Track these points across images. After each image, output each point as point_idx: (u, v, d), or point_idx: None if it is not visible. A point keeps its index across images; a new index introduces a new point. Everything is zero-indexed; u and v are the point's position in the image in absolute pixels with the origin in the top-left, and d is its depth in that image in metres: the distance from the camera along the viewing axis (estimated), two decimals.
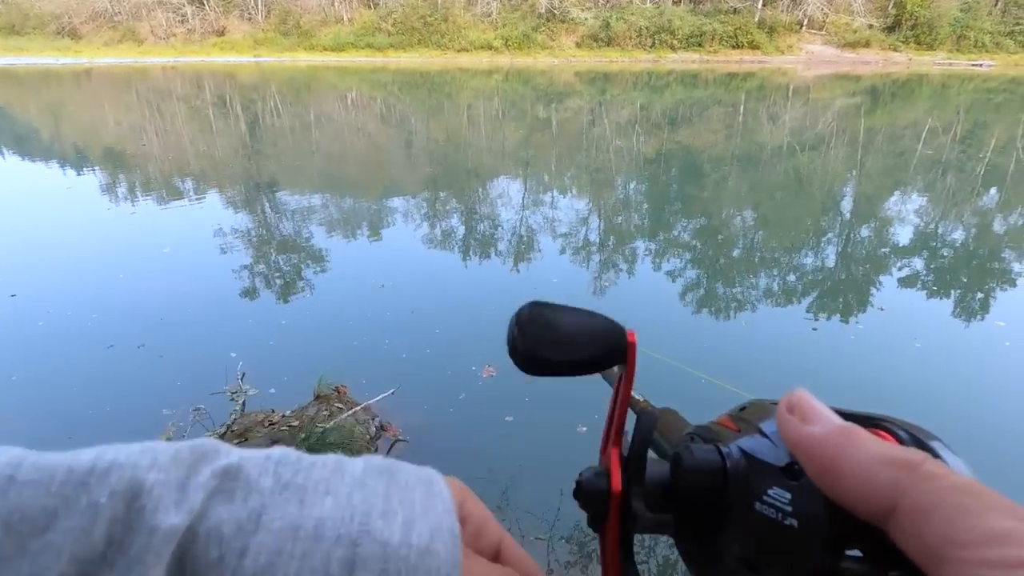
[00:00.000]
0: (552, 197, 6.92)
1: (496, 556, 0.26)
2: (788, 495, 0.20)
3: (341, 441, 2.29)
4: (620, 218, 6.18)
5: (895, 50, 32.11)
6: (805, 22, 33.45)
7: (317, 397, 2.63)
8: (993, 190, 7.42)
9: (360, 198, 6.66)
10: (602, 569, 0.25)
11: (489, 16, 35.36)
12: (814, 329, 3.61)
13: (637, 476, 0.24)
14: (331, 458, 0.23)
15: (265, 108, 14.66)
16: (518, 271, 4.52)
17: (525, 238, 5.32)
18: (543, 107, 15.81)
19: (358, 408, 2.53)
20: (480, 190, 7.20)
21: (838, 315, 3.85)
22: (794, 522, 0.20)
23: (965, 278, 4.57)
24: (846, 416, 0.23)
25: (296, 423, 2.43)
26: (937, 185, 7.70)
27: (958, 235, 5.73)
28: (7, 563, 0.17)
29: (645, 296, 4.16)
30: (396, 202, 6.50)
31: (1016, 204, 6.89)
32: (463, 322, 3.53)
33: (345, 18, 35.96)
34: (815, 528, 0.19)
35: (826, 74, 26.09)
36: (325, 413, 2.50)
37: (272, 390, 2.73)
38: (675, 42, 32.95)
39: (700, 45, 32.82)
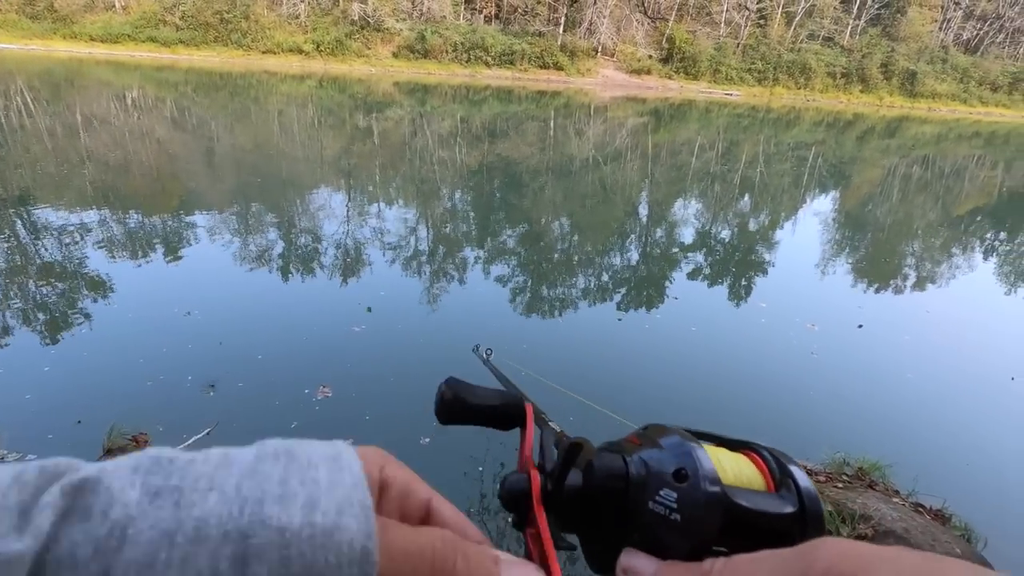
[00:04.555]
0: (378, 208, 6.75)
1: (426, 517, 0.26)
2: (675, 495, 0.24)
3: None
4: (448, 227, 6.28)
5: (670, 78, 37.70)
6: (600, 48, 37.55)
7: (108, 451, 2.21)
8: (747, 196, 9.13)
9: (152, 214, 5.75)
10: (533, 548, 0.28)
11: (297, 18, 33.29)
12: (619, 320, 4.06)
13: (558, 482, 0.28)
14: (216, 452, 0.21)
15: (10, 106, 11.91)
16: (346, 285, 4.32)
17: (352, 251, 5.11)
18: (363, 116, 15.38)
19: None
20: (298, 202, 6.74)
21: (643, 307, 4.39)
22: (678, 517, 0.24)
23: (733, 268, 5.54)
24: (720, 441, 0.29)
25: None
26: (708, 192, 9.23)
27: (725, 233, 6.93)
28: None
29: (475, 301, 4.27)
30: (199, 218, 5.75)
31: (763, 207, 8.56)
32: (291, 344, 3.25)
33: (118, 5, 30.86)
34: (695, 522, 0.24)
35: (620, 95, 29.61)
36: None
37: (32, 456, 2.21)
38: (489, 59, 34.52)
39: (512, 63, 34.85)
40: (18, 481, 0.18)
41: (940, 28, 45.20)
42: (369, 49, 33.38)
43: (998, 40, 45.80)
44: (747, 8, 40.07)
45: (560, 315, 4.13)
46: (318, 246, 5.14)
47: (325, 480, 0.21)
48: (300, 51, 31.80)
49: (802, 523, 0.25)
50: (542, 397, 0.38)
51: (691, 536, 0.24)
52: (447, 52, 33.94)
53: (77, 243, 4.67)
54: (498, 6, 37.71)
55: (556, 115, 19.39)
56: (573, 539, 0.30)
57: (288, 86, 21.63)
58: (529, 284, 4.71)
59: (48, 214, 5.35)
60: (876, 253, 6.75)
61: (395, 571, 0.21)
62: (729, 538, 0.24)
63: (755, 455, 0.28)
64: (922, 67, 41.47)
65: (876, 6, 43.73)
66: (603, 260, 5.44)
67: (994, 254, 7.29)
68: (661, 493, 0.25)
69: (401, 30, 34.17)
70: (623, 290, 4.71)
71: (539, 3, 36.69)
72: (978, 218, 9.36)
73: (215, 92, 18.24)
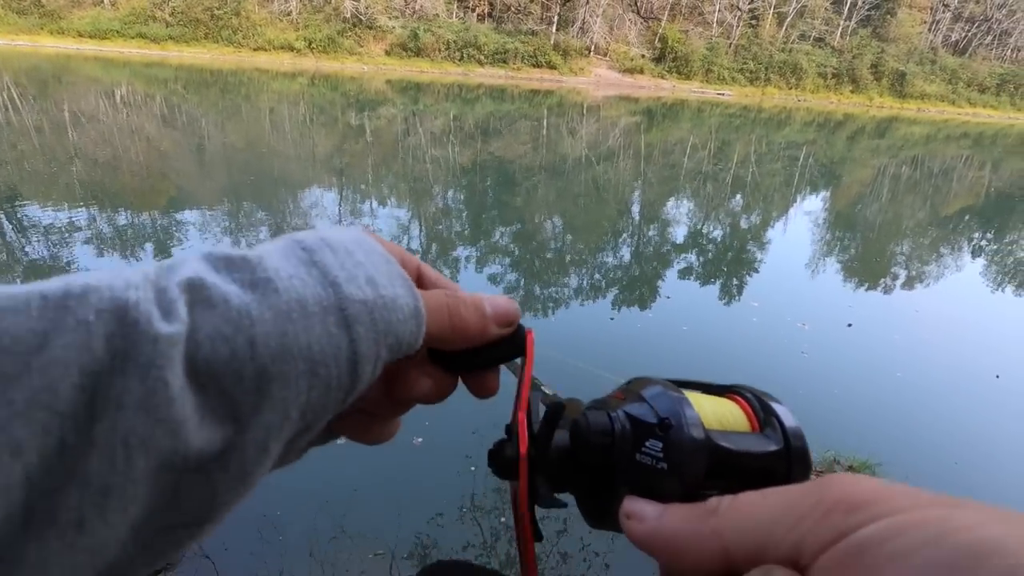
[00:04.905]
0: (371, 206, 6.73)
1: (419, 279, 0.32)
2: (660, 444, 0.25)
3: None
4: (441, 225, 6.26)
5: (662, 78, 37.82)
6: (592, 48, 37.60)
7: None
8: (739, 196, 9.17)
9: (142, 212, 5.69)
10: (515, 521, 0.30)
11: (288, 15, 33.08)
12: (611, 319, 4.07)
13: (544, 442, 0.28)
14: (267, 247, 0.25)
15: None
16: None
17: None
18: (355, 114, 15.31)
19: None
20: (290, 200, 6.70)
21: (635, 306, 4.40)
22: (664, 465, 0.25)
23: (725, 267, 5.57)
24: (706, 388, 0.30)
25: None
26: (700, 192, 9.26)
27: (717, 233, 6.96)
28: (14, 381, 0.17)
29: None
30: (189, 215, 5.70)
31: (755, 207, 8.60)
32: None
33: (106, 0, 30.54)
34: (681, 468, 0.24)
35: (612, 95, 29.67)
36: None
37: None
38: (482, 57, 34.47)
39: (505, 62, 34.82)
40: (146, 279, 0.21)
41: (929, 30, 45.63)
42: (361, 47, 33.24)
43: (986, 42, 46.31)
44: (739, 8, 40.26)
45: (552, 314, 4.13)
46: None
47: (366, 262, 0.26)
48: (292, 48, 31.60)
49: (787, 460, 0.25)
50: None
51: (680, 483, 0.24)
52: (440, 50, 33.86)
53: (65, 241, 4.62)
54: (491, 5, 37.68)
55: (549, 114, 19.40)
56: (567, 497, 0.30)
57: (279, 84, 21.50)
58: (522, 283, 4.70)
59: (35, 212, 5.28)
60: (866, 252, 6.81)
61: (429, 323, 0.27)
62: (717, 480, 0.25)
63: (739, 398, 0.28)
64: (911, 68, 41.85)
65: (866, 7, 44.07)
66: (595, 259, 5.44)
67: (982, 254, 7.37)
68: (647, 444, 0.25)
69: (394, 28, 34.05)
70: (615, 289, 4.72)
71: (532, 2, 36.70)
72: (966, 218, 9.46)
73: (205, 89, 18.10)
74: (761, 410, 0.27)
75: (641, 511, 0.24)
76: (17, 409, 0.17)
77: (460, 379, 0.33)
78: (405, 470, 2.29)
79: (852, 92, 40.74)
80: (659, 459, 0.25)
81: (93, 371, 0.18)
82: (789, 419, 0.26)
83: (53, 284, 0.19)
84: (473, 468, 2.29)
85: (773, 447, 0.25)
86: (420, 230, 5.93)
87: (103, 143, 8.86)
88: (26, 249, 4.45)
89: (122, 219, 5.42)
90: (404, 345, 0.25)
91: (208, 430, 0.20)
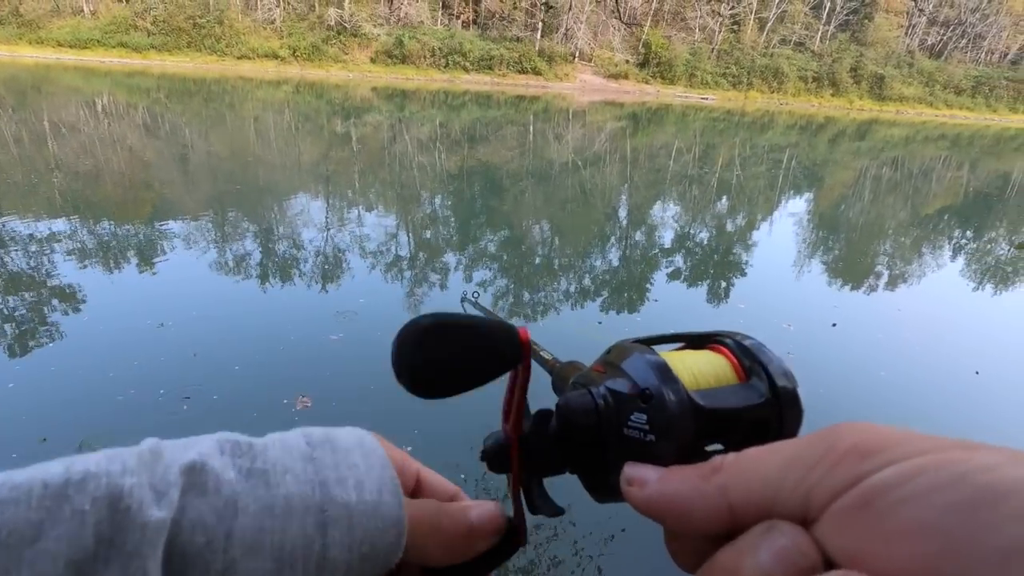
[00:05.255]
0: (358, 214, 6.70)
1: (417, 486, 0.31)
2: (644, 416, 0.25)
3: None
4: (429, 232, 6.25)
5: (647, 83, 38.17)
6: (577, 54, 37.87)
7: None
8: (724, 198, 9.27)
9: (124, 223, 5.62)
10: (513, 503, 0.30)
11: (272, 23, 32.95)
12: (599, 323, 4.09)
13: (539, 428, 0.28)
14: (274, 438, 0.26)
15: None
16: (326, 292, 4.27)
17: (330, 258, 5.06)
18: (341, 122, 15.27)
19: None
20: (276, 209, 6.65)
21: (624, 310, 4.42)
22: (652, 437, 0.24)
23: (712, 270, 5.62)
24: (688, 341, 0.29)
25: None
26: (687, 195, 9.35)
27: (704, 235, 7.02)
28: (5, 575, 0.18)
29: (455, 306, 4.25)
30: (174, 226, 5.64)
31: (740, 209, 8.70)
32: (268, 354, 3.20)
33: (86, 10, 30.19)
34: (669, 437, 0.24)
35: (597, 100, 29.88)
36: None
37: None
38: (467, 64, 34.58)
39: (490, 68, 34.96)
40: (141, 462, 0.22)
41: (906, 33, 46.58)
42: (346, 54, 33.20)
43: (961, 45, 47.36)
44: (720, 14, 40.81)
45: (541, 318, 4.14)
46: (296, 253, 5.08)
47: (362, 464, 0.26)
48: (276, 56, 31.48)
49: (777, 408, 0.25)
50: None
51: (673, 449, 0.24)
52: (425, 57, 33.92)
53: (45, 253, 4.55)
54: (476, 11, 37.84)
55: (535, 120, 19.48)
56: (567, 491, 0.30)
57: (264, 92, 21.39)
58: (511, 288, 4.71)
59: (14, 224, 5.19)
60: (850, 253, 6.91)
61: (410, 533, 0.26)
62: (712, 440, 0.24)
63: (723, 348, 0.27)
64: (889, 71, 42.65)
65: (844, 12, 44.90)
66: (583, 264, 5.47)
67: (961, 253, 7.51)
68: (632, 418, 0.25)
69: (379, 35, 34.05)
70: (604, 293, 4.74)
71: (516, 9, 36.91)
72: (946, 217, 9.64)
73: (189, 98, 17.96)
74: (745, 358, 0.26)
75: (642, 476, 0.23)
76: None
77: None
78: None
79: (833, 95, 41.42)
80: (646, 431, 0.25)
81: (78, 560, 0.19)
82: (775, 362, 0.25)
83: (54, 470, 0.20)
84: (462, 476, 2.28)
85: (758, 399, 0.25)
86: (408, 237, 5.92)
87: (85, 153, 8.75)
88: (4, 261, 4.37)
89: (105, 230, 5.35)
90: (381, 555, 0.25)
91: None
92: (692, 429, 0.24)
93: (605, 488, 0.27)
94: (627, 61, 38.76)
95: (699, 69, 39.13)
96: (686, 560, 0.22)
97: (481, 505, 0.29)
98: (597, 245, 6.16)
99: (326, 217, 6.44)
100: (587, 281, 5.03)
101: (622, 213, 7.92)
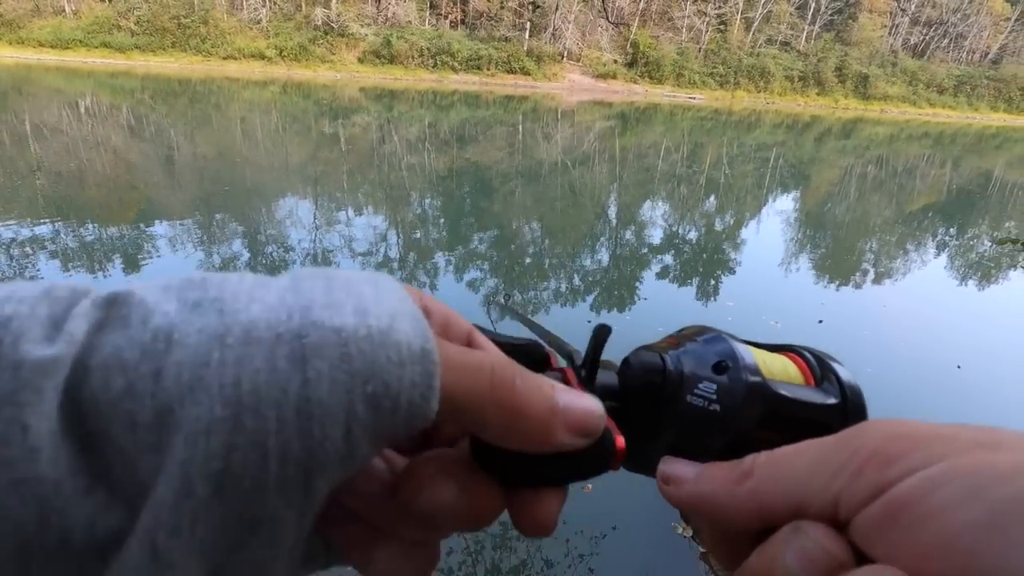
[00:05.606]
0: (347, 215, 6.67)
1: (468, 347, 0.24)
2: (714, 386, 0.24)
3: None
4: (419, 233, 6.24)
5: (635, 82, 38.33)
6: (565, 54, 37.94)
7: None
8: (713, 197, 9.34)
9: (109, 226, 5.55)
10: None
11: (258, 23, 32.68)
12: (589, 322, 4.10)
13: (589, 377, 0.27)
14: (248, 275, 0.19)
15: None
16: None
17: (319, 259, 5.03)
18: (329, 122, 15.18)
19: None
20: (264, 210, 6.60)
21: (613, 309, 4.44)
22: (717, 407, 0.24)
23: (701, 268, 5.66)
24: (761, 347, 0.28)
25: None
26: (675, 194, 9.41)
27: (692, 234, 7.07)
28: None
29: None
30: (160, 228, 5.58)
31: (728, 208, 8.77)
32: None
33: (68, 9, 29.76)
34: (734, 412, 0.24)
35: (586, 100, 29.97)
36: None
37: None
38: (456, 64, 34.51)
39: (479, 68, 34.92)
40: (48, 295, 0.17)
41: (889, 33, 47.20)
42: (334, 55, 33.00)
43: (943, 45, 48.08)
44: (707, 14, 41.10)
45: (531, 317, 4.15)
46: (284, 255, 5.05)
47: (370, 296, 0.18)
48: (262, 57, 31.21)
49: (843, 414, 0.25)
50: None
51: (730, 427, 0.23)
52: (413, 57, 33.80)
53: (27, 256, 4.48)
54: (463, 11, 37.78)
55: (524, 119, 19.49)
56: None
57: (251, 92, 21.21)
58: (500, 287, 4.71)
59: None
60: (836, 250, 6.99)
61: (454, 382, 0.18)
62: (769, 430, 0.24)
63: (796, 355, 0.27)
64: (874, 70, 43.20)
65: (829, 13, 45.41)
66: (573, 263, 5.48)
67: (944, 249, 7.63)
68: (700, 386, 0.25)
69: (366, 35, 33.88)
70: (594, 292, 4.76)
71: (504, 8, 36.90)
72: (929, 214, 9.79)
73: (174, 99, 17.77)
74: (818, 367, 0.26)
75: (679, 475, 0.23)
76: None
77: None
78: None
79: (818, 94, 41.86)
80: (712, 400, 0.24)
81: None
82: (847, 376, 0.26)
83: None
84: None
85: (831, 400, 0.25)
86: (397, 237, 5.90)
87: (68, 155, 8.62)
88: None
89: (89, 233, 5.28)
90: (401, 402, 0.17)
91: (99, 505, 0.15)
92: (759, 412, 0.24)
93: (639, 456, 0.26)
94: (615, 61, 38.90)
95: (686, 69, 39.37)
96: (723, 559, 0.22)
97: (579, 393, 0.22)
98: (587, 244, 6.18)
99: (314, 218, 6.40)
100: (576, 280, 5.04)
101: (612, 212, 7.95)
